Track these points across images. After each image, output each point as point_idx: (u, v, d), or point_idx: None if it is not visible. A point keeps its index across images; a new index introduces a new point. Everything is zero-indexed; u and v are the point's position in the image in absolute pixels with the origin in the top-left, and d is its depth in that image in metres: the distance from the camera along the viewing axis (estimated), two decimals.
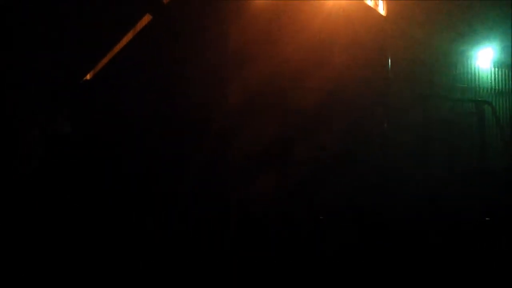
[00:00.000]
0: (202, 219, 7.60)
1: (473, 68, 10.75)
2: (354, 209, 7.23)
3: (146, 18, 10.54)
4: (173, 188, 8.24)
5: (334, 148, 7.29)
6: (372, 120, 7.95)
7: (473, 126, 9.05)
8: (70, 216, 8.17)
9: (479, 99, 10.02)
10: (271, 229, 7.05)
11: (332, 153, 7.26)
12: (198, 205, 7.76)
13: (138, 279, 7.16)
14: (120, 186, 10.78)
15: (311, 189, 7.24)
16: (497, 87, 10.82)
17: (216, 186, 7.54)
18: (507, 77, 10.99)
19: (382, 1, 8.36)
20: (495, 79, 10.90)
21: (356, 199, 7.27)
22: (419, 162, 8.60)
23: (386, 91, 8.36)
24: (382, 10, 8.37)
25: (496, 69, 10.92)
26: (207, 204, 7.62)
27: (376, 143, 7.92)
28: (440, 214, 7.99)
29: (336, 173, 7.27)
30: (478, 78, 10.75)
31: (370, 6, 8.08)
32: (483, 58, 10.75)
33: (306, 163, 7.23)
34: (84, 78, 13.70)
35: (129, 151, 10.81)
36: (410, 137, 8.67)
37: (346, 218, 7.13)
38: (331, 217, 7.13)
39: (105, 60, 12.89)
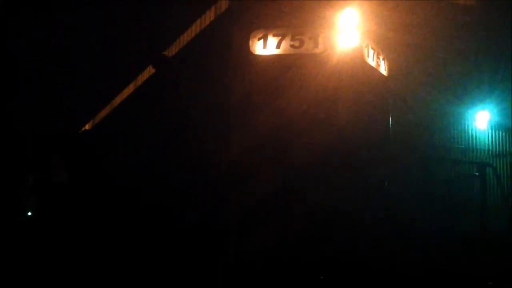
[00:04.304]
0: (199, 270, 7.46)
1: (471, 130, 10.78)
2: (354, 266, 7.09)
3: (149, 70, 10.65)
4: (171, 238, 8.09)
5: (335, 204, 7.20)
6: (374, 177, 7.89)
7: (475, 188, 9.00)
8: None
9: (480, 160, 10.02)
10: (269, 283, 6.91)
11: (333, 209, 7.17)
12: (196, 255, 7.63)
13: None
14: (119, 234, 10.64)
15: (311, 244, 7.12)
16: (495, 149, 10.84)
17: (214, 238, 7.43)
18: (504, 139, 11.03)
19: (384, 61, 8.48)
20: (493, 141, 10.93)
21: (357, 255, 7.15)
22: (420, 223, 8.50)
23: (387, 149, 8.36)
24: (384, 70, 8.47)
25: (494, 131, 10.97)
26: (205, 254, 7.50)
27: (378, 200, 7.84)
28: (441, 276, 7.83)
29: (337, 229, 7.15)
30: (476, 140, 10.76)
31: (372, 66, 8.17)
32: (481, 120, 10.80)
33: (307, 218, 7.14)
34: (83, 128, 13.75)
35: (126, 199, 10.71)
36: (411, 197, 8.61)
37: (348, 275, 6.97)
38: (332, 274, 6.97)
39: (105, 111, 12.94)
